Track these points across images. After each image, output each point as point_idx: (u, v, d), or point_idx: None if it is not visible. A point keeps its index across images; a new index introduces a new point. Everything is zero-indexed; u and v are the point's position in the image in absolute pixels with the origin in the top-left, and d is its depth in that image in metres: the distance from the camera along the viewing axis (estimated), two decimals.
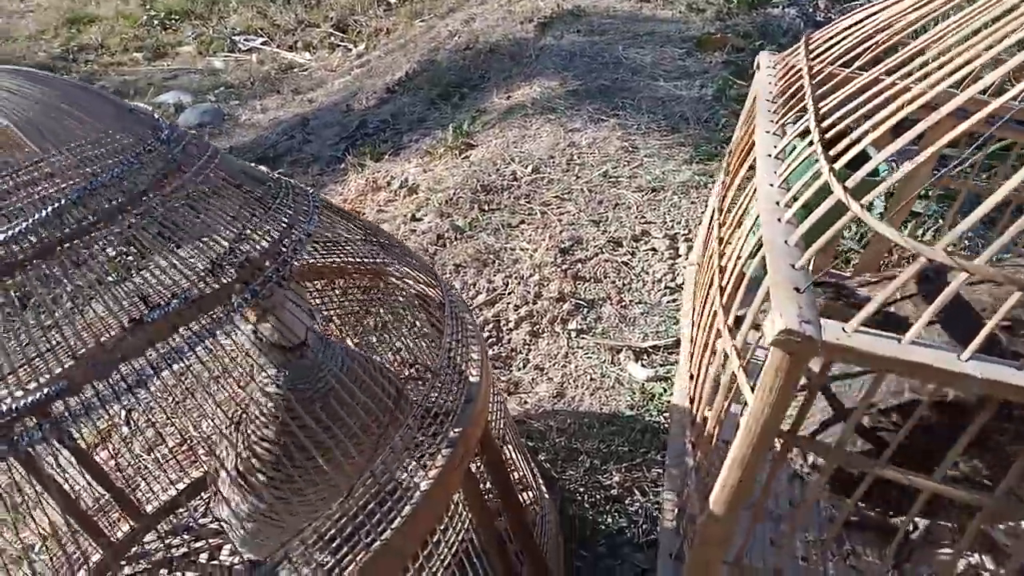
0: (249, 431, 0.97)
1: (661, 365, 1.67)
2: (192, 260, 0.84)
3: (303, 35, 5.45)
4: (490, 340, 1.78)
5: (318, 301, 1.34)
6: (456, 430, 0.95)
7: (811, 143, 0.98)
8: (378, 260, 1.29)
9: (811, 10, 3.76)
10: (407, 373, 1.14)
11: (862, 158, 0.89)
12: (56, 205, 0.74)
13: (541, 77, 3.20)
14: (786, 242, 0.86)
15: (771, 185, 1.00)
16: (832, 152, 0.92)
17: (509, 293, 1.91)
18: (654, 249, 2.03)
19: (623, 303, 1.87)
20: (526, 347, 1.75)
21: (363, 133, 3.46)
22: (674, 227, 2.11)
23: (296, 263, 0.90)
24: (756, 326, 0.85)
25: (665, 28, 3.59)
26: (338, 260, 1.29)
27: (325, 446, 0.92)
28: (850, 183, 0.84)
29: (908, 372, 0.72)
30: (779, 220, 0.91)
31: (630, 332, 1.77)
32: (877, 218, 0.78)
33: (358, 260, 1.30)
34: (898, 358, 0.71)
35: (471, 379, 1.03)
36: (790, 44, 1.30)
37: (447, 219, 2.24)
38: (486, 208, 2.28)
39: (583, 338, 1.76)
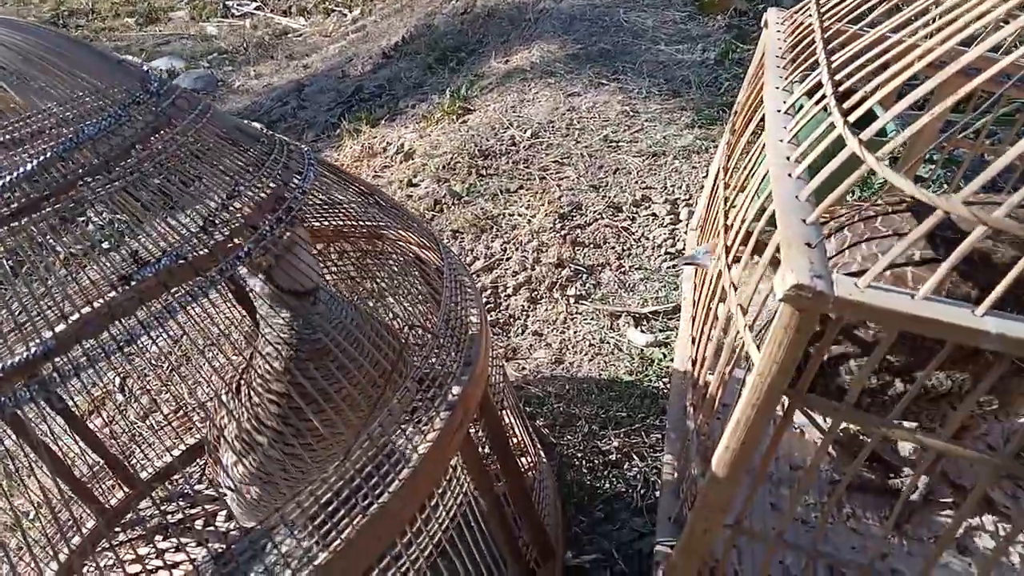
0: (252, 390, 0.96)
1: (661, 331, 1.65)
2: (183, 218, 0.81)
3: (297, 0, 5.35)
4: (488, 306, 1.76)
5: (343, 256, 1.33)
6: (455, 393, 0.94)
7: (822, 98, 0.95)
8: (375, 222, 1.26)
9: None
10: (412, 337, 1.13)
11: (869, 119, 0.87)
12: (42, 159, 0.71)
13: (540, 41, 3.14)
14: (797, 197, 0.84)
15: (781, 141, 0.97)
16: (844, 107, 0.89)
17: (507, 259, 1.88)
18: (654, 214, 2.00)
19: (623, 269, 1.84)
20: (524, 313, 1.73)
21: (359, 99, 3.41)
22: (675, 192, 2.08)
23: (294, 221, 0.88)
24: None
25: None
26: (335, 222, 1.27)
27: (334, 399, 0.91)
28: (865, 135, 0.82)
29: (922, 328, 0.70)
30: (789, 175, 0.89)
31: (630, 298, 1.75)
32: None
33: (355, 222, 1.27)
34: (912, 314, 0.69)
35: (470, 342, 1.02)
36: (795, 6, 1.27)
37: (444, 184, 2.21)
38: (484, 173, 2.25)
39: (582, 304, 1.74)
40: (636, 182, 2.13)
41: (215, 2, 5.39)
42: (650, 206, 2.03)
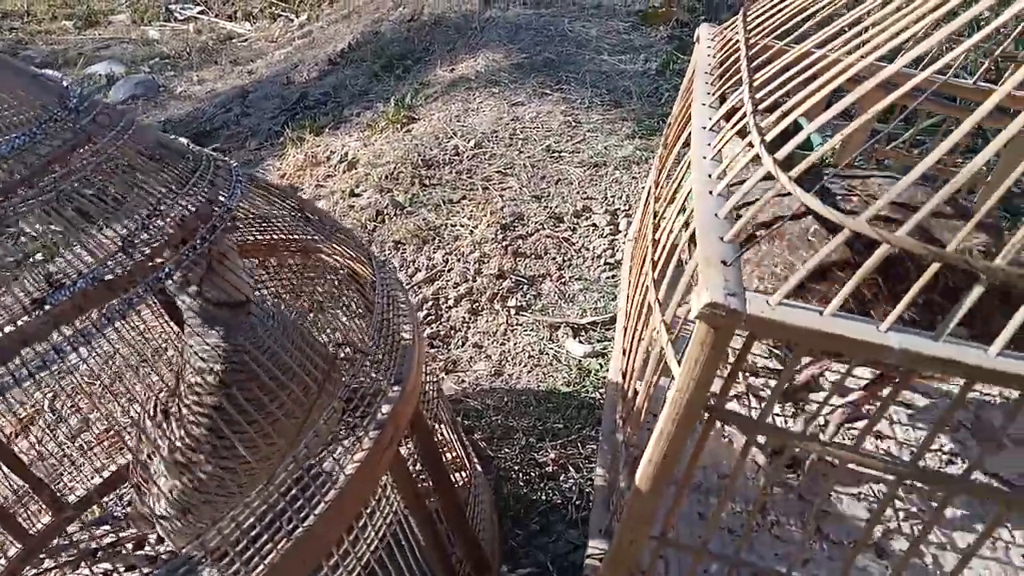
0: (184, 407, 0.94)
1: (599, 341, 1.67)
2: (102, 238, 0.80)
3: (243, 4, 5.27)
4: (429, 318, 1.75)
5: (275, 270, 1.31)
6: (384, 412, 0.93)
7: (744, 115, 0.97)
8: (309, 237, 1.25)
9: None
10: (342, 354, 1.12)
11: (796, 132, 0.89)
12: None
13: (486, 50, 3.15)
14: (716, 215, 0.85)
15: (705, 158, 0.99)
16: (764, 124, 0.91)
17: (449, 270, 1.89)
18: (595, 225, 2.03)
19: (563, 279, 1.86)
20: (465, 325, 1.74)
21: (303, 106, 3.37)
22: (615, 202, 2.11)
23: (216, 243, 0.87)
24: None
25: (611, 1, 3.57)
26: (268, 237, 1.26)
27: (268, 409, 0.90)
28: (781, 155, 0.84)
29: (830, 344, 0.72)
30: (710, 193, 0.91)
31: (569, 308, 1.77)
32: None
33: (289, 236, 1.26)
34: (821, 331, 0.71)
35: (401, 359, 1.01)
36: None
37: (387, 195, 2.20)
38: (427, 183, 2.25)
39: (522, 315, 1.75)
40: (577, 192, 2.15)
41: (157, 6, 5.28)
42: (590, 216, 2.06)
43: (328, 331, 1.26)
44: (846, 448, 0.82)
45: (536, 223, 2.04)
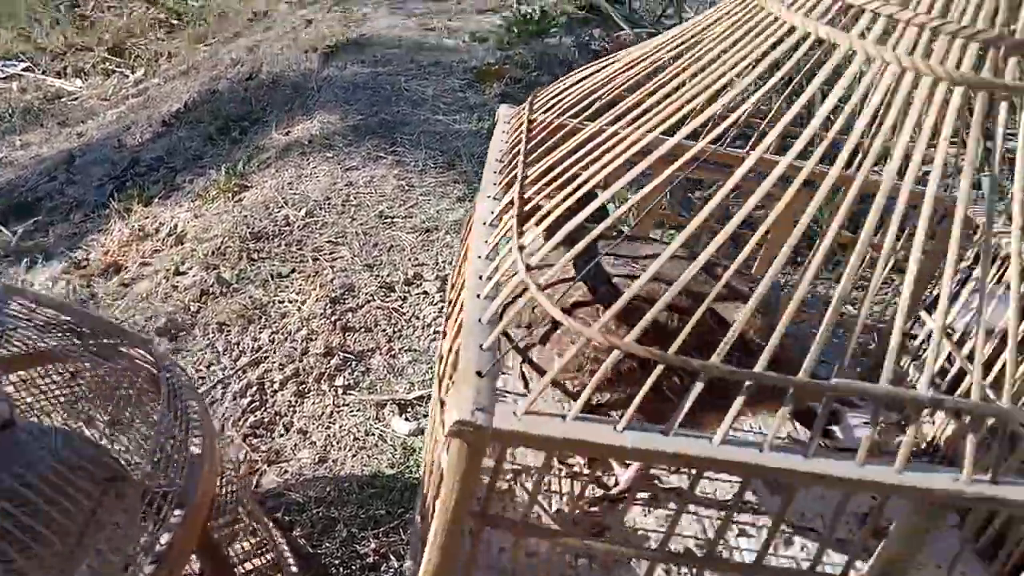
0: None
1: (424, 416, 1.68)
2: None
3: (74, 60, 5.00)
4: (253, 405, 1.71)
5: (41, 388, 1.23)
6: (163, 542, 0.90)
7: (511, 214, 0.99)
8: (93, 342, 1.20)
9: (587, 39, 3.98)
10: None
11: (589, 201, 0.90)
12: None
13: (322, 111, 3.14)
14: (480, 320, 0.86)
15: (479, 256, 0.99)
16: (525, 228, 0.94)
17: (275, 351, 1.85)
18: (425, 292, 2.05)
19: (392, 352, 1.87)
20: (291, 409, 1.70)
21: (134, 172, 3.22)
22: (445, 268, 2.14)
23: None
24: None
25: (448, 58, 3.65)
26: (51, 345, 1.20)
27: (27, 551, 0.84)
28: (538, 257, 0.86)
29: (574, 448, 0.76)
30: (479, 296, 0.91)
31: (397, 382, 1.78)
32: None
33: (71, 343, 1.21)
34: (564, 437, 0.74)
35: (186, 479, 0.98)
36: (566, 74, 1.31)
37: (213, 272, 2.13)
38: (255, 257, 2.20)
39: (350, 394, 1.74)
40: (409, 259, 2.17)
41: None
42: (421, 284, 2.08)
43: (118, 444, 1.20)
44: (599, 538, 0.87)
45: (367, 294, 2.04)
